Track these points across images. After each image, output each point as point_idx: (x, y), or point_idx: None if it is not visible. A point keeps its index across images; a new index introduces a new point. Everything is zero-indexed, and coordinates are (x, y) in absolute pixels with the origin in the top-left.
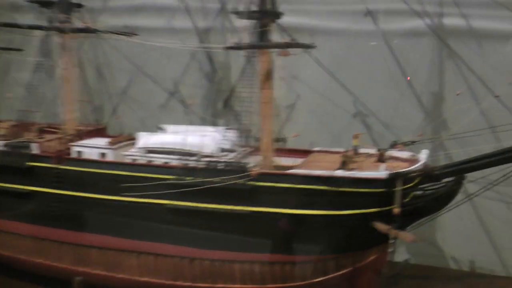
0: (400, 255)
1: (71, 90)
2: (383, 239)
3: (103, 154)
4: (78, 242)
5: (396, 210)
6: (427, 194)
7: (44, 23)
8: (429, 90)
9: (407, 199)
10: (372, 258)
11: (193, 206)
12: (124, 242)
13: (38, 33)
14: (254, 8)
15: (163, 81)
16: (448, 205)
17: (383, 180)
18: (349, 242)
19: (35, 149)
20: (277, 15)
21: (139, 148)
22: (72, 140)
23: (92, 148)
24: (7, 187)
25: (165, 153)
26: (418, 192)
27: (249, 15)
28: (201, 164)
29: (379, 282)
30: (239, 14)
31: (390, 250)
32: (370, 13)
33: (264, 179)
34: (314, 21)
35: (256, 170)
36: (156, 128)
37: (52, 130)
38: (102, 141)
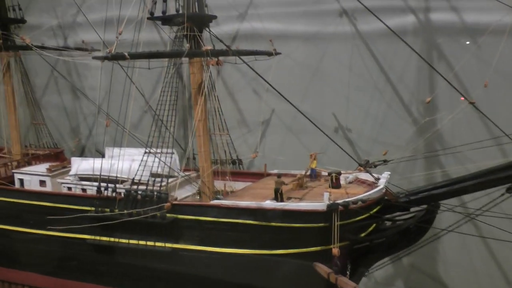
0: None
1: (13, 112)
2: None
3: (42, 182)
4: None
5: (335, 250)
6: (390, 227)
7: None
8: (418, 98)
9: (363, 234)
10: None
11: (114, 242)
12: (51, 281)
13: None
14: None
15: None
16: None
17: (322, 212)
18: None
19: None
20: (203, 20)
21: (70, 175)
22: (18, 166)
23: (32, 176)
24: None
25: (93, 180)
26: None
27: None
28: (120, 194)
29: None
30: (155, 19)
31: None
32: (345, 13)
33: (184, 211)
34: (282, 25)
35: (171, 201)
36: (95, 151)
37: (1, 155)
38: (43, 168)
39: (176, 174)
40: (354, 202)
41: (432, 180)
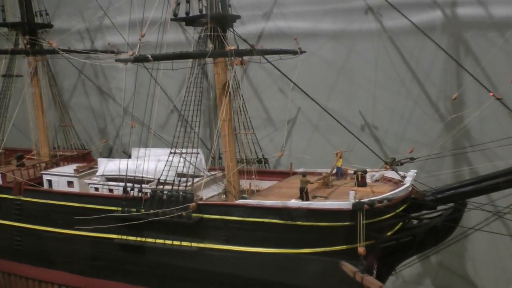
0: None
1: (41, 115)
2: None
3: (70, 183)
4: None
5: (361, 249)
6: (416, 226)
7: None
8: (445, 95)
9: (389, 233)
10: None
11: (141, 242)
12: (79, 279)
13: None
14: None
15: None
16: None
17: (347, 211)
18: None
19: None
20: (226, 20)
21: (97, 175)
22: (47, 168)
23: (60, 177)
24: None
25: (120, 181)
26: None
27: (191, 21)
28: (146, 194)
29: None
30: (178, 20)
31: None
32: (371, 10)
33: (209, 211)
34: (307, 24)
35: (196, 201)
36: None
37: (30, 157)
38: (71, 169)
39: (201, 174)
40: (380, 201)
41: (460, 177)
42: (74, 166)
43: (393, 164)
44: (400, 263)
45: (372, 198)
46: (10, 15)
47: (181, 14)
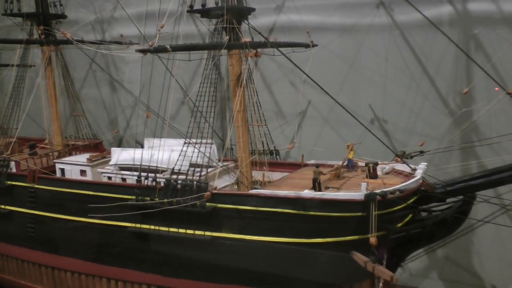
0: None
1: (54, 105)
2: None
3: (83, 171)
4: (54, 265)
5: (373, 239)
6: (426, 217)
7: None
8: (455, 89)
9: (400, 224)
10: None
11: (154, 230)
12: (92, 266)
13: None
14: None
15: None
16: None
17: (360, 202)
18: (325, 276)
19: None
20: (242, 12)
21: (111, 165)
22: (59, 157)
23: (72, 166)
24: None
25: (133, 170)
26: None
27: (206, 13)
28: (160, 184)
29: None
30: (194, 12)
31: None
32: (382, 4)
33: (223, 200)
34: (319, 17)
35: (211, 190)
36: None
37: (43, 146)
38: (83, 158)
39: (215, 164)
40: (392, 192)
41: (468, 171)
42: (86, 155)
43: (403, 157)
44: (409, 254)
45: (384, 189)
46: (24, 5)
47: (197, 6)
